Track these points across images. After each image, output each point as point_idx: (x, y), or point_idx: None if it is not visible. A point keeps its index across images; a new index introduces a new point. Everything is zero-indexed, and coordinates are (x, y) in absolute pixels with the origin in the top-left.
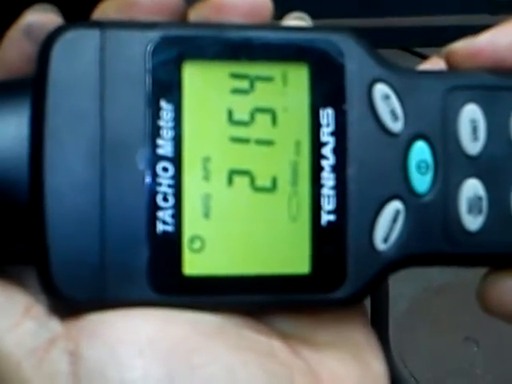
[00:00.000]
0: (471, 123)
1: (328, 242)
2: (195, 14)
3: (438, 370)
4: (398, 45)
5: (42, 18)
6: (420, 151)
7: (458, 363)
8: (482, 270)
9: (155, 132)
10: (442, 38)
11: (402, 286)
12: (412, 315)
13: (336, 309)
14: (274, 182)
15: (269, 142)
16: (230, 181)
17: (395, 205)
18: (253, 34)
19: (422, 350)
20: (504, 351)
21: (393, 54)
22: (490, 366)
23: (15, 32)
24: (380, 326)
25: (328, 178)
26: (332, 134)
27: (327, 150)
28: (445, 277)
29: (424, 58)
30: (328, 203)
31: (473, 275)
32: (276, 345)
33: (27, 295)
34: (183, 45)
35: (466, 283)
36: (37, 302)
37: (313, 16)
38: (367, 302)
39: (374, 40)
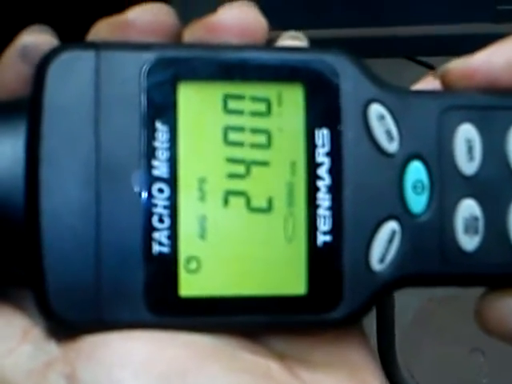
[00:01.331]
0: (467, 143)
1: (324, 262)
2: (189, 35)
3: (444, 381)
4: (401, 54)
5: (38, 39)
6: (416, 171)
7: (464, 374)
8: None
9: (150, 153)
10: (445, 46)
11: (407, 298)
12: (417, 326)
13: (333, 329)
14: (270, 202)
15: (264, 163)
16: (225, 202)
17: (391, 225)
18: (247, 54)
19: (429, 361)
20: (510, 361)
21: (397, 63)
22: (496, 376)
23: (11, 53)
24: (387, 338)
25: (324, 199)
26: (327, 154)
27: (323, 171)
28: (449, 288)
29: (428, 66)
30: (324, 224)
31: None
32: (273, 366)
33: (25, 318)
34: (178, 66)
35: (471, 294)
36: (34, 324)
37: (315, 26)
38: (373, 315)
39: (377, 49)
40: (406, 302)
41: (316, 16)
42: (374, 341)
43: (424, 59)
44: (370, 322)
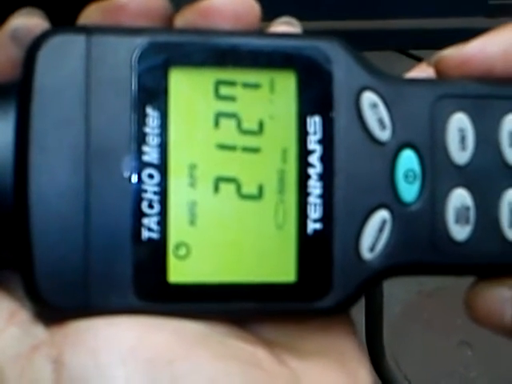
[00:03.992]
0: (459, 132)
1: (314, 250)
2: (181, 19)
3: (432, 374)
4: (393, 47)
5: (29, 23)
6: (407, 160)
7: (452, 366)
8: None
9: (141, 139)
10: (437, 40)
11: (396, 290)
12: (405, 319)
13: (322, 317)
14: (261, 189)
15: (255, 150)
16: (216, 188)
17: (382, 214)
18: (240, 40)
19: (416, 354)
20: (498, 354)
21: (388, 56)
22: (484, 369)
23: (1, 36)
24: (374, 330)
25: (315, 187)
26: (319, 141)
27: (314, 158)
28: (438, 280)
29: (419, 60)
30: (314, 211)
31: (466, 278)
32: (261, 353)
33: (12, 300)
34: (170, 51)
35: (459, 286)
36: (22, 307)
37: (307, 18)
38: (362, 306)
39: (369, 42)
40: (395, 294)
41: (307, 8)
42: (362, 332)
43: (415, 52)
44: (359, 314)
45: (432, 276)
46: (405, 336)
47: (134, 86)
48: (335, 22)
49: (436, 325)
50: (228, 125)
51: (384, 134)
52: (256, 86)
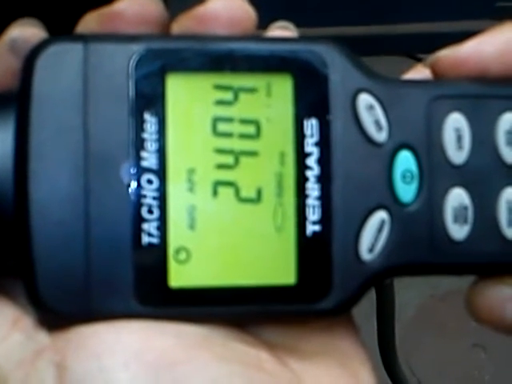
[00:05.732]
0: (456, 132)
1: (313, 252)
2: (178, 26)
3: (446, 377)
4: (401, 51)
5: (26, 33)
6: (405, 161)
7: (466, 370)
8: None
9: (139, 144)
10: (445, 43)
11: (409, 294)
12: (419, 322)
13: (323, 318)
14: (259, 192)
15: (253, 153)
16: (214, 192)
17: (380, 215)
18: (236, 45)
19: (430, 357)
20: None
21: (397, 61)
22: (498, 372)
23: (0, 47)
24: (387, 334)
25: (313, 189)
26: (316, 144)
27: (312, 161)
28: (451, 283)
29: None
30: (313, 214)
31: None
32: (263, 355)
33: (15, 307)
34: (167, 57)
35: None
36: (25, 313)
37: (316, 24)
38: (374, 310)
39: (377, 47)
40: (408, 298)
41: (317, 14)
42: (374, 337)
43: (423, 56)
44: (371, 319)
45: (431, 276)
46: (418, 340)
47: (132, 92)
48: (343, 27)
49: (449, 328)
50: (225, 129)
51: (381, 136)
52: (253, 90)
